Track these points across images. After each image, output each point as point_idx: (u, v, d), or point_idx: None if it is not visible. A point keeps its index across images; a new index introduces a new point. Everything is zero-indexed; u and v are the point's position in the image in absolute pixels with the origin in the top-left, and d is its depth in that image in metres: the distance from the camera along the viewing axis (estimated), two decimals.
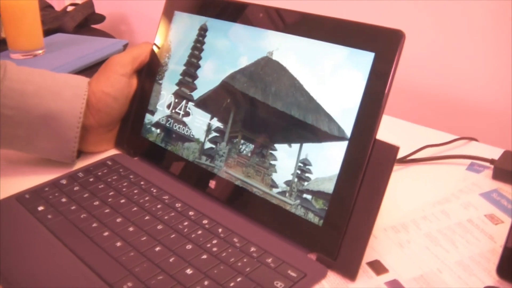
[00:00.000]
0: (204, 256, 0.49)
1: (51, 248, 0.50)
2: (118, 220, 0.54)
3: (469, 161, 0.70)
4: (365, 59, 0.48)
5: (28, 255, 0.50)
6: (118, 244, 0.50)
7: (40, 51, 1.08)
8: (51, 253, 0.50)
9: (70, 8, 1.39)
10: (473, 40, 0.88)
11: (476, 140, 0.76)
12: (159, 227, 0.53)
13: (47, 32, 1.20)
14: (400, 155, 0.68)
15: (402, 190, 0.63)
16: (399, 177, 0.66)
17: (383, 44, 0.48)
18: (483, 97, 0.90)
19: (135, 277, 0.46)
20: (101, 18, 1.42)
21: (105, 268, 0.47)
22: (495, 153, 0.69)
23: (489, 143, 0.75)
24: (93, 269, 0.47)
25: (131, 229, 0.52)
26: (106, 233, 0.52)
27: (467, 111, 0.92)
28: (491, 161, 0.67)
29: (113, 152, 0.70)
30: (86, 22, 1.37)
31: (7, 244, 0.51)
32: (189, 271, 0.47)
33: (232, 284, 0.45)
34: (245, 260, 0.48)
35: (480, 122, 0.90)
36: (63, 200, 0.58)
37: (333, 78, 0.51)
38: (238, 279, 0.46)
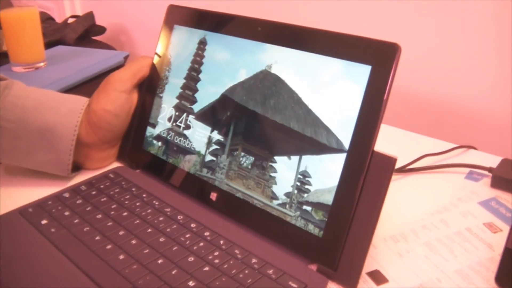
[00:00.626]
0: (206, 268, 0.49)
1: (54, 262, 0.51)
2: (121, 233, 0.55)
3: (467, 170, 0.71)
4: (362, 72, 0.49)
5: (31, 269, 0.50)
6: (121, 257, 0.51)
7: (41, 64, 1.09)
8: (55, 267, 0.50)
9: (71, 20, 1.40)
10: (471, 48, 0.89)
11: (475, 148, 0.77)
12: (162, 239, 0.53)
13: (48, 44, 1.21)
14: (399, 164, 0.69)
15: (401, 200, 0.63)
16: (398, 186, 0.67)
17: (379, 57, 0.48)
18: (481, 105, 0.90)
19: None
20: (101, 30, 1.43)
21: (108, 281, 0.48)
22: (494, 161, 0.70)
23: (488, 151, 0.76)
24: (96, 282, 0.48)
25: (133, 241, 0.53)
26: (109, 246, 0.52)
27: (465, 120, 0.93)
28: (490, 170, 0.68)
29: (115, 164, 0.71)
30: (87, 34, 1.39)
31: (11, 258, 0.52)
32: (191, 283, 0.47)
33: None
34: (246, 271, 0.49)
35: (478, 130, 0.91)
36: (66, 213, 0.58)
37: (331, 91, 0.52)
38: None
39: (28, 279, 0.49)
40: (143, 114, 0.70)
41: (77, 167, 0.69)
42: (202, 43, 0.64)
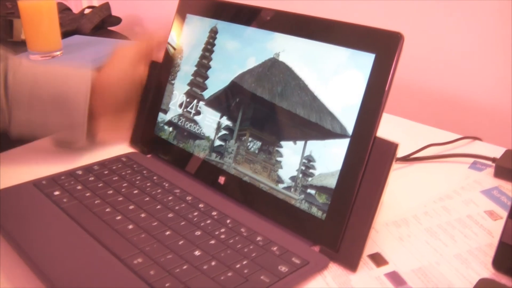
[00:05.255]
0: (212, 242, 0.52)
1: (65, 227, 0.54)
2: (131, 207, 0.57)
3: (471, 160, 0.72)
4: (366, 60, 0.51)
5: (43, 232, 0.53)
6: (130, 226, 0.53)
7: (58, 53, 1.11)
8: (65, 231, 0.53)
9: (87, 11, 1.42)
10: (478, 39, 0.90)
11: (480, 139, 0.78)
12: (170, 215, 0.56)
13: (65, 34, 1.23)
14: (404, 153, 0.71)
15: (405, 188, 0.65)
16: (402, 174, 0.69)
17: (383, 45, 0.50)
18: (487, 96, 0.91)
19: (145, 254, 0.49)
20: (117, 20, 1.45)
21: (116, 245, 0.50)
22: (498, 152, 0.71)
23: (493, 143, 0.77)
24: (105, 246, 0.50)
25: (143, 215, 0.56)
26: (118, 217, 0.55)
27: (471, 111, 0.94)
28: (493, 160, 0.69)
29: (127, 150, 0.73)
30: (103, 24, 1.41)
31: (24, 223, 0.54)
32: (197, 253, 0.50)
33: (238, 266, 0.48)
34: (251, 247, 0.51)
35: (484, 121, 0.92)
36: (78, 187, 0.61)
37: (336, 78, 0.53)
38: (244, 262, 0.49)
39: (39, 240, 0.52)
40: (155, 100, 0.72)
41: (90, 140, 0.72)
42: (213, 32, 0.66)
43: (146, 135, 0.72)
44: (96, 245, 0.51)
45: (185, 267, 0.48)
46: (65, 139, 0.69)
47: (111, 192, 0.60)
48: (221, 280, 0.46)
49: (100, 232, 0.53)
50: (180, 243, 0.51)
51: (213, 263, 0.48)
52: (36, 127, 0.68)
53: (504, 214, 0.60)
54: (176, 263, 0.48)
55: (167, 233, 0.53)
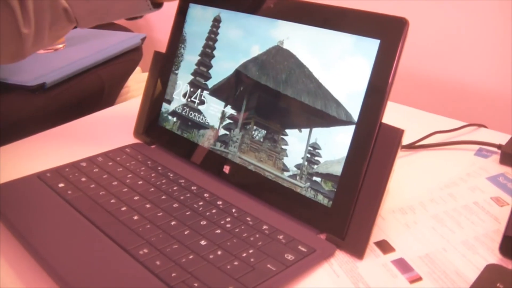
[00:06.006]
0: (218, 231, 0.51)
1: (70, 219, 0.54)
2: (136, 198, 0.57)
3: (477, 147, 0.72)
4: (371, 46, 0.50)
5: (48, 224, 0.53)
6: (135, 217, 0.53)
7: (60, 46, 1.11)
8: (70, 223, 0.53)
9: None
10: (482, 26, 0.89)
11: (485, 126, 0.77)
12: (175, 205, 0.56)
13: None
14: (409, 140, 0.71)
15: (410, 175, 0.65)
16: (408, 162, 0.68)
17: (388, 31, 0.50)
18: (492, 83, 0.91)
19: (151, 245, 0.49)
20: None
21: (122, 236, 0.50)
22: (504, 138, 0.71)
23: (499, 130, 0.76)
24: (110, 237, 0.50)
25: (148, 206, 0.56)
26: (123, 208, 0.55)
27: (476, 98, 0.93)
28: (499, 146, 0.69)
29: (131, 141, 0.73)
30: None
31: (29, 216, 0.54)
32: (203, 242, 0.50)
33: (244, 254, 0.48)
34: (257, 235, 0.51)
35: (489, 108, 0.92)
36: (83, 179, 0.61)
37: (340, 65, 0.53)
38: (250, 251, 0.49)
39: (46, 234, 0.51)
40: (158, 90, 0.71)
41: (155, 4, 0.71)
42: (217, 21, 0.66)
43: (150, 126, 0.72)
44: (102, 236, 0.51)
45: (191, 256, 0.48)
46: (132, 14, 0.71)
47: (115, 183, 0.60)
48: (227, 269, 0.46)
49: (105, 223, 0.52)
50: (186, 233, 0.51)
51: (219, 252, 0.48)
52: (103, 14, 0.69)
53: (510, 200, 0.59)
54: (182, 253, 0.48)
55: (172, 223, 0.53)
